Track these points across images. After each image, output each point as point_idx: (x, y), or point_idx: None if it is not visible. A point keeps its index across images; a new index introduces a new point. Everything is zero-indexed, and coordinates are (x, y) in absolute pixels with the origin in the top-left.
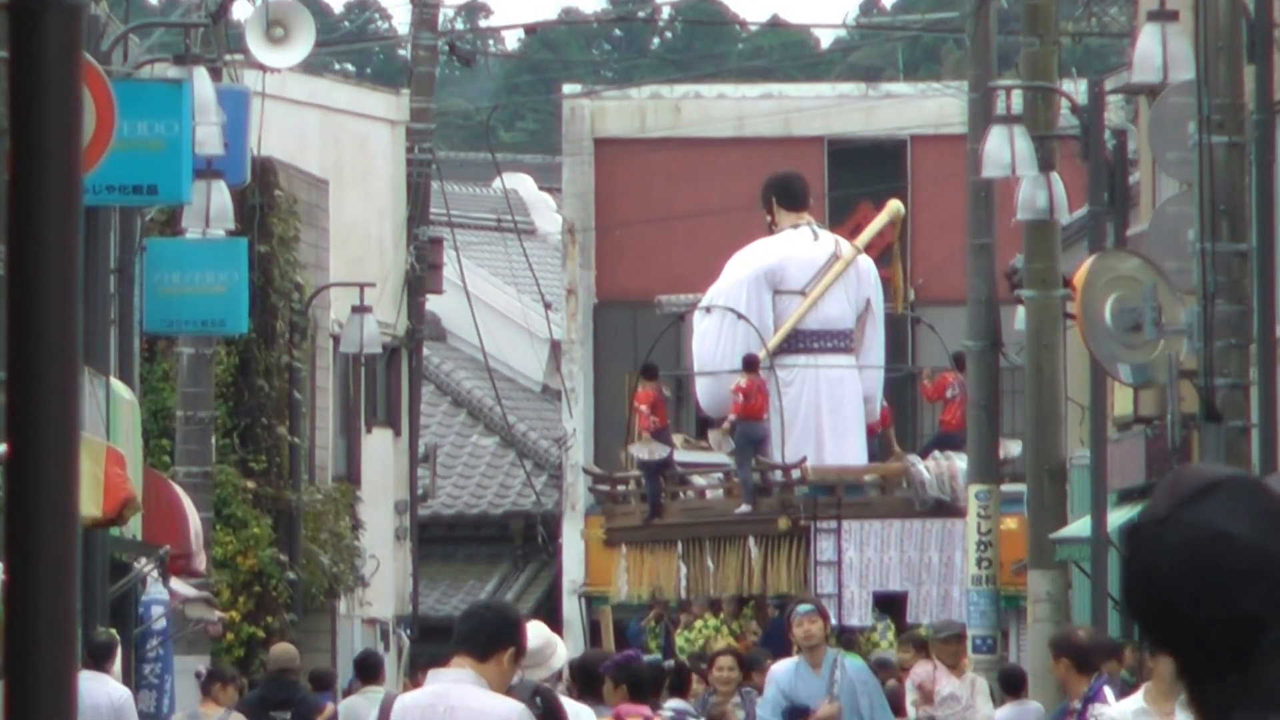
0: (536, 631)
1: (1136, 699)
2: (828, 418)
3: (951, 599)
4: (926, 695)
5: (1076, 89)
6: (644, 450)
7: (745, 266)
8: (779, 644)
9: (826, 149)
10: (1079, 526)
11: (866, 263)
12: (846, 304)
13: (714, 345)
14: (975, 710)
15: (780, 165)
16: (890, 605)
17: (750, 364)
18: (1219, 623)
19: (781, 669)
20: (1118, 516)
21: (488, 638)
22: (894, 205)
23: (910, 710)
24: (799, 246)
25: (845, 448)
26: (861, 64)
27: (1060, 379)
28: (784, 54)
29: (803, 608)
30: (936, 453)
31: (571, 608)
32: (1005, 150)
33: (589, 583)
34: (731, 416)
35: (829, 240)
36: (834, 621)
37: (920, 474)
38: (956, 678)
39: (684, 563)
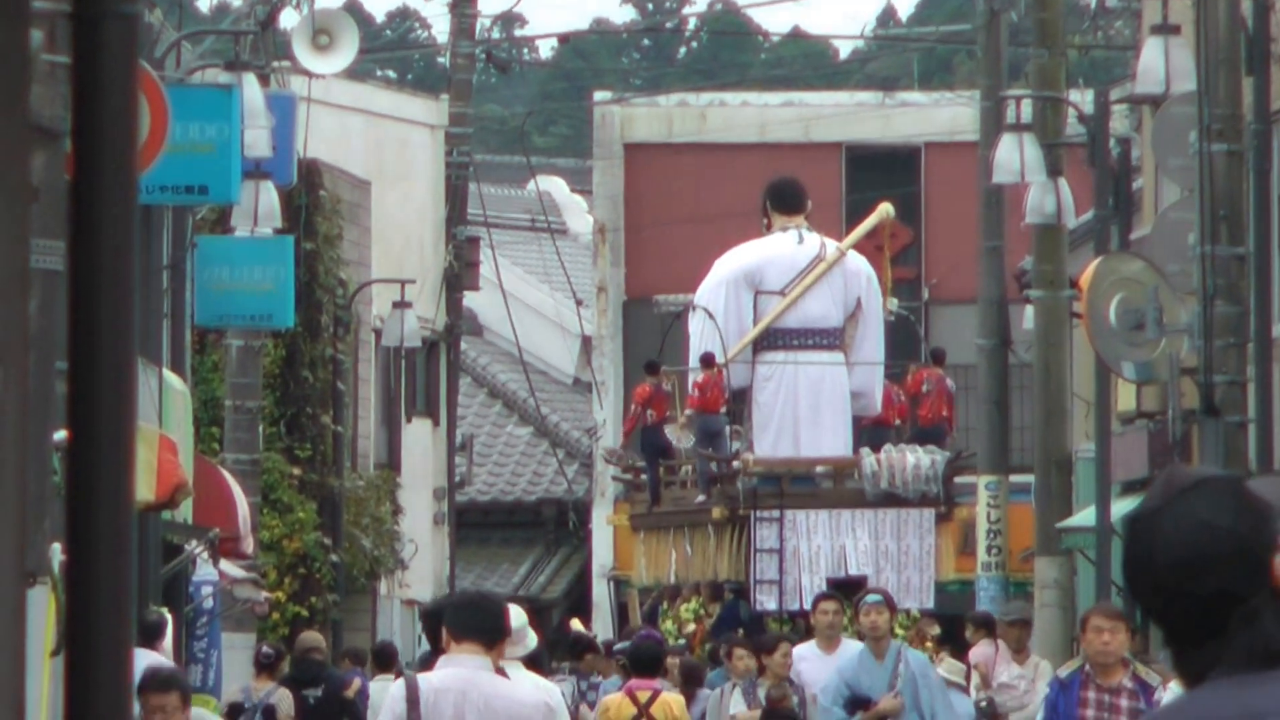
0: (517, 613)
1: None
2: (805, 412)
3: (913, 585)
4: (984, 679)
5: (1084, 99)
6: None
7: (726, 268)
8: (729, 629)
9: (844, 155)
10: (1084, 516)
11: (857, 264)
12: (831, 303)
13: (697, 343)
14: (1035, 695)
15: (800, 170)
16: (851, 592)
17: (707, 361)
18: (1202, 598)
19: (845, 658)
20: (1121, 507)
21: (495, 628)
22: (883, 208)
23: (972, 693)
24: (781, 249)
25: (821, 441)
26: (878, 74)
27: (1067, 375)
28: (804, 64)
29: (871, 598)
30: (889, 446)
31: (601, 591)
32: (1015, 157)
33: (617, 567)
34: (688, 411)
35: (814, 242)
36: (775, 606)
37: (865, 466)
38: (1019, 664)
39: (674, 549)
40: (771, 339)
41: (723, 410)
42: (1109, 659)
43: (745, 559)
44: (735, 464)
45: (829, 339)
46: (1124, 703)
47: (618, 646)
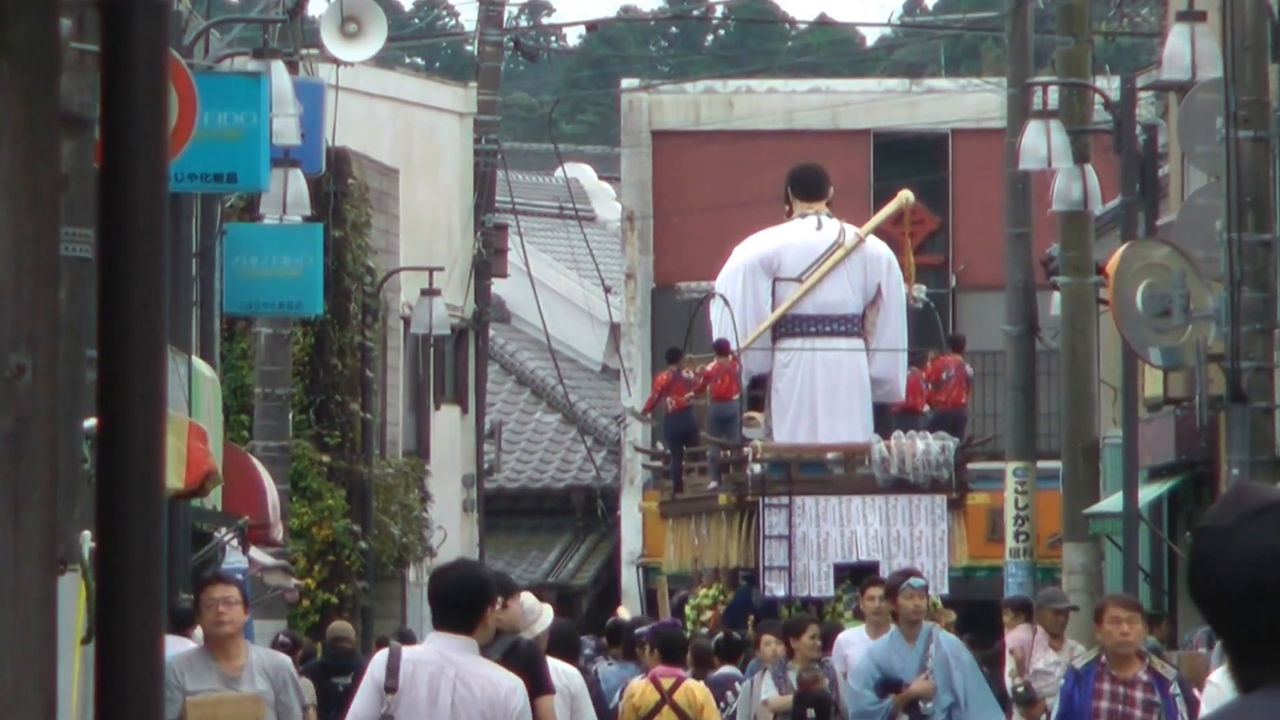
0: (523, 598)
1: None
2: (823, 398)
3: (926, 571)
4: (1020, 664)
5: (1110, 86)
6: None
7: (743, 255)
8: (740, 615)
9: (872, 141)
10: (1111, 502)
11: (877, 250)
12: (849, 290)
13: (717, 331)
14: None
15: (827, 157)
16: (862, 577)
17: (720, 348)
18: (1266, 621)
19: (877, 641)
20: (1148, 493)
21: (474, 615)
22: (903, 194)
23: (1007, 680)
24: (800, 235)
25: (839, 428)
26: (905, 61)
27: (1094, 362)
28: (831, 51)
29: (915, 581)
30: (898, 432)
31: (629, 577)
32: (1042, 144)
33: (646, 554)
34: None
35: (833, 229)
36: (785, 593)
37: (875, 452)
38: (1055, 650)
39: (695, 536)
40: (789, 326)
41: (736, 397)
42: (1129, 649)
43: (755, 545)
44: (745, 450)
45: (847, 325)
46: (1139, 694)
47: (638, 631)
